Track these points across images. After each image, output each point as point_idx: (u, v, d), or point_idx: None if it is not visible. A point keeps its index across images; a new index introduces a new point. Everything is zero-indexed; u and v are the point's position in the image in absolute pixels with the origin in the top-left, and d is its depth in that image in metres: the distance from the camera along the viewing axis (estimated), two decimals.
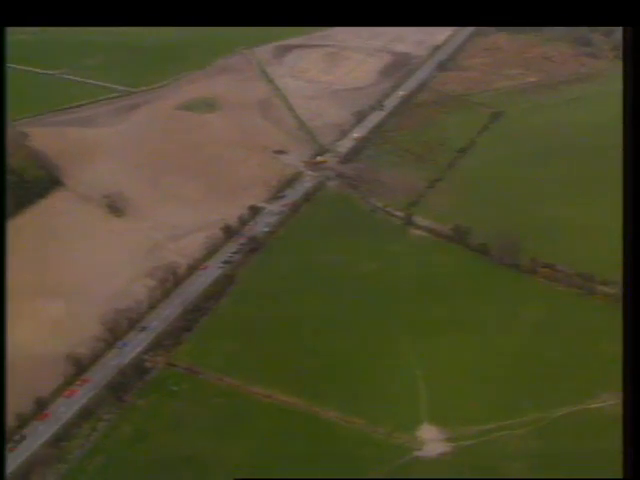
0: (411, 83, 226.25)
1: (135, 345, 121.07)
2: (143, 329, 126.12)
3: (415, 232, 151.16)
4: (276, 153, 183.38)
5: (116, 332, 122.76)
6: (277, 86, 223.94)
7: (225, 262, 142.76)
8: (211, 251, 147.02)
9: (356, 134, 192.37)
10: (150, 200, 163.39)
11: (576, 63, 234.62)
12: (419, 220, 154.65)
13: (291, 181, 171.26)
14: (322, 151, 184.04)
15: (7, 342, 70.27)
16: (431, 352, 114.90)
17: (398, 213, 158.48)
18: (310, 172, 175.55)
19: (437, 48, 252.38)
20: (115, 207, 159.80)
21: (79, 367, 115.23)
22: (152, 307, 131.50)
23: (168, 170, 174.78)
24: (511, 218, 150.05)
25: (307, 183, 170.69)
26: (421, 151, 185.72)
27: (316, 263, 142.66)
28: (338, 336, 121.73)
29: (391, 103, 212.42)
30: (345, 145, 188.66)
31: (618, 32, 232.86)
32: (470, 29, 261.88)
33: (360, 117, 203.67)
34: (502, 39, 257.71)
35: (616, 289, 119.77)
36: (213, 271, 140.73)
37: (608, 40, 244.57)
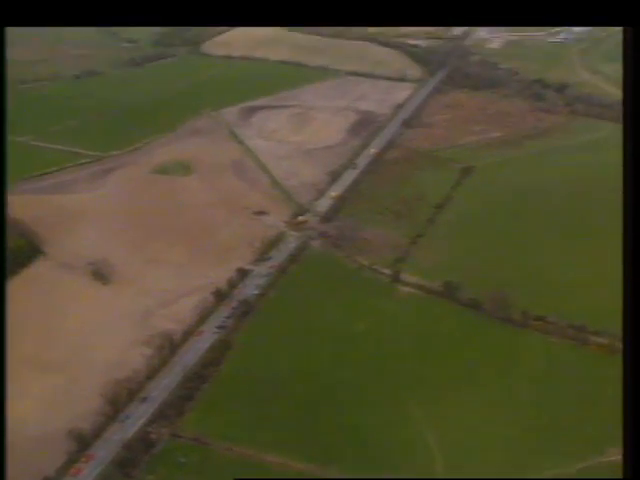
0: (379, 141, 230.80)
1: (138, 417, 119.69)
2: (144, 400, 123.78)
3: (404, 289, 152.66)
4: (256, 214, 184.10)
5: (117, 404, 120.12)
6: (248, 147, 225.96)
7: (219, 327, 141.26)
8: (204, 316, 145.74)
9: (333, 193, 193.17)
10: (136, 265, 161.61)
11: (533, 118, 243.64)
12: (407, 277, 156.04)
13: (275, 242, 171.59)
14: (302, 211, 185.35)
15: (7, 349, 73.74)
16: (437, 413, 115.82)
17: (385, 270, 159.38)
18: (293, 232, 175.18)
19: (400, 106, 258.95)
20: (100, 274, 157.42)
21: (82, 443, 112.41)
22: (151, 376, 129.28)
23: (151, 235, 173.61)
24: (498, 272, 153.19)
25: (291, 244, 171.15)
26: (399, 208, 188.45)
27: (310, 324, 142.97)
28: (342, 398, 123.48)
29: (363, 161, 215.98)
30: (324, 204, 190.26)
31: (570, 88, 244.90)
32: (430, 87, 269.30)
33: (335, 176, 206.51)
34: (461, 96, 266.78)
35: (609, 339, 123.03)
36: (209, 336, 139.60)
37: (561, 95, 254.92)
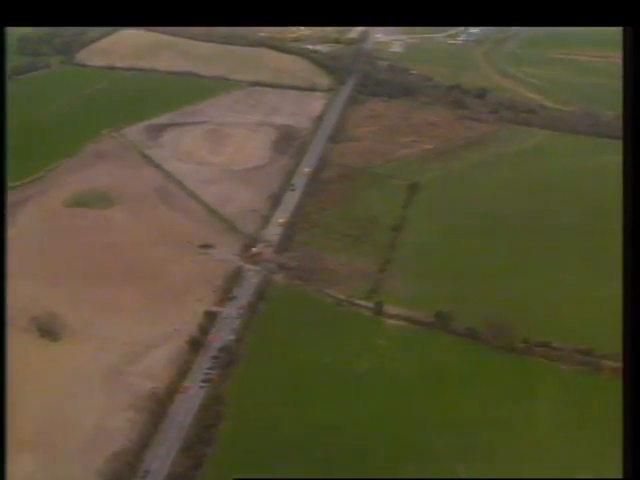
0: (310, 158, 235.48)
1: None
2: (146, 474, 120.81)
3: (390, 322, 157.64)
4: (202, 248, 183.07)
5: None
6: (167, 171, 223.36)
7: (205, 381, 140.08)
8: (182, 369, 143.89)
9: (280, 219, 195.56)
10: (85, 316, 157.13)
11: (461, 127, 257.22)
12: (390, 309, 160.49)
13: (234, 278, 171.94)
14: (251, 241, 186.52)
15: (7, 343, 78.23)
16: (464, 456, 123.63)
17: (363, 303, 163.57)
18: (249, 266, 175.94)
19: (318, 119, 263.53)
20: (47, 329, 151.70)
21: None
22: (144, 445, 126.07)
23: (91, 279, 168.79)
24: (485, 296, 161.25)
25: (252, 279, 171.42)
26: (354, 232, 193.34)
27: (302, 367, 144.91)
28: (363, 447, 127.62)
29: (299, 182, 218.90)
30: (272, 232, 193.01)
31: (491, 93, 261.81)
32: (344, 97, 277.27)
33: (274, 200, 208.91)
34: (379, 106, 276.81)
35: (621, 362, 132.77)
36: (196, 393, 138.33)
37: (482, 102, 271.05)
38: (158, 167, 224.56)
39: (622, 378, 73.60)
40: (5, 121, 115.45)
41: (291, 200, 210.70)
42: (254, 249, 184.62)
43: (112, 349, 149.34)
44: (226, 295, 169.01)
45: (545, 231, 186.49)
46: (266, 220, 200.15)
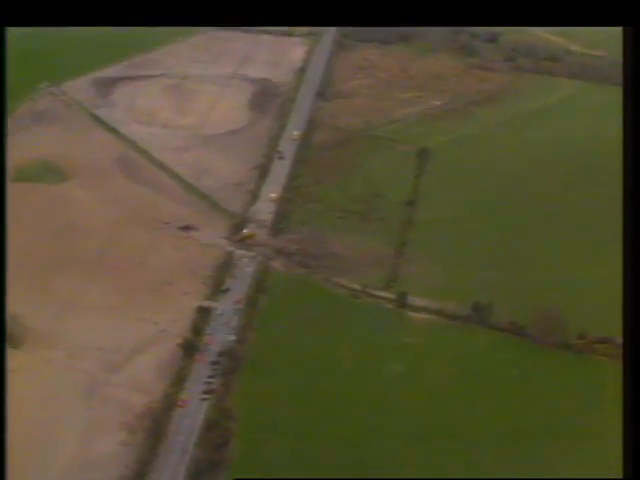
0: (296, 119, 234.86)
1: None
2: None
3: (418, 316, 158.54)
4: (183, 230, 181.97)
5: None
6: (126, 136, 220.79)
7: (206, 392, 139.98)
8: (176, 379, 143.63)
9: (272, 194, 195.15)
10: (50, 316, 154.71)
11: (473, 79, 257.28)
12: (414, 300, 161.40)
13: (225, 267, 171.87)
14: (240, 222, 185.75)
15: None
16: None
17: (381, 294, 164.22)
18: (241, 251, 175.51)
19: (301, 70, 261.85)
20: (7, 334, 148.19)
21: None
22: (142, 475, 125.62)
23: (53, 271, 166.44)
24: (525, 284, 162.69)
25: (247, 267, 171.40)
26: (360, 208, 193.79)
27: (320, 373, 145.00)
28: (400, 470, 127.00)
29: (288, 148, 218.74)
30: (263, 210, 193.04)
31: (503, 36, 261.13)
32: (328, 43, 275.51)
33: (261, 171, 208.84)
34: (372, 53, 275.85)
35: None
36: (197, 406, 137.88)
37: (494, 47, 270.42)
38: (113, 131, 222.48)
39: (622, 379, 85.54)
40: (5, 120, 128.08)
41: (280, 171, 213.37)
42: (245, 231, 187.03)
43: (87, 356, 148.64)
44: (218, 287, 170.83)
45: (588, 205, 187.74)
46: (254, 195, 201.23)
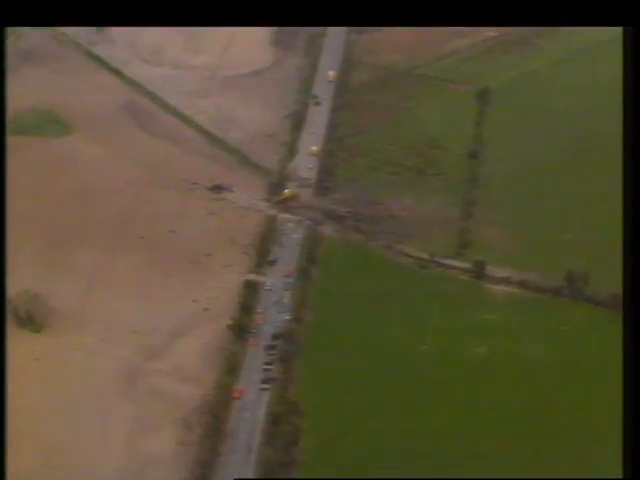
0: (328, 58, 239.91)
1: None
2: None
3: (498, 289, 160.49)
4: (214, 191, 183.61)
5: None
6: (132, 80, 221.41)
7: (265, 381, 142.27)
8: (229, 366, 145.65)
9: (313, 148, 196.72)
10: (74, 295, 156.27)
11: None
12: (493, 270, 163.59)
13: (269, 234, 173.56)
14: (278, 180, 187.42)
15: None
16: None
17: (454, 263, 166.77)
18: (285, 215, 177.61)
19: None
20: (26, 316, 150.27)
21: None
22: (205, 478, 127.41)
23: (72, 241, 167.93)
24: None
25: (294, 234, 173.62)
26: (416, 162, 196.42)
27: (393, 357, 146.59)
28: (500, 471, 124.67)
29: (324, 92, 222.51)
30: (303, 166, 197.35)
31: None
32: None
33: (296, 120, 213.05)
34: None
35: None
36: (256, 398, 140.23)
37: None
38: (116, 73, 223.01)
39: (622, 379, 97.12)
40: (5, 118, 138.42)
41: (318, 119, 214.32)
42: (286, 191, 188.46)
43: (122, 340, 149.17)
44: (263, 258, 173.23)
45: None
46: (291, 149, 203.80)
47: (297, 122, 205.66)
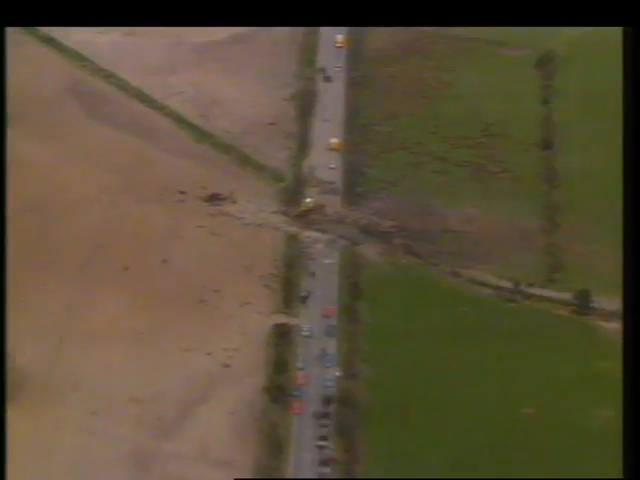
0: None
1: None
2: None
3: (612, 327, 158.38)
4: (211, 203, 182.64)
5: None
6: (75, 52, 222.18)
7: (323, 463, 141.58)
8: (269, 443, 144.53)
9: (333, 140, 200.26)
10: (45, 350, 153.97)
11: None
12: (599, 301, 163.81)
13: (294, 259, 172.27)
14: (293, 185, 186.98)
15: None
16: None
17: (546, 293, 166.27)
18: (310, 233, 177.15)
19: None
20: None
21: None
22: None
23: (34, 277, 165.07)
24: None
25: (326, 259, 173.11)
26: (471, 156, 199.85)
27: (488, 426, 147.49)
28: None
29: (332, 62, 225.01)
30: (322, 164, 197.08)
31: None
32: None
33: (302, 102, 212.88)
34: None
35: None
36: None
37: None
38: (53, 43, 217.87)
39: (622, 379, 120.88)
40: (5, 116, 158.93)
41: (331, 100, 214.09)
42: (308, 200, 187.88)
43: (118, 412, 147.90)
44: (292, 292, 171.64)
45: None
46: (302, 142, 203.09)
47: (305, 105, 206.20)
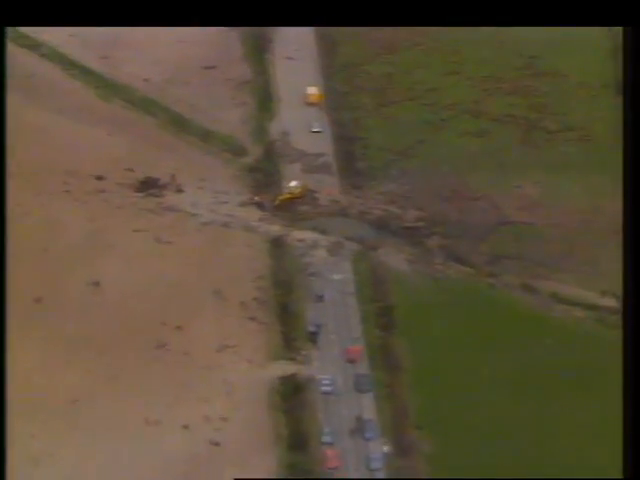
0: None
1: None
2: None
3: None
4: (147, 192, 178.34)
5: None
6: None
7: None
8: None
9: (310, 89, 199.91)
10: None
11: None
12: None
13: (287, 276, 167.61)
14: (262, 162, 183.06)
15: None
16: None
17: None
18: (305, 235, 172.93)
19: None
20: None
21: None
22: None
23: None
24: None
25: (334, 274, 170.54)
26: (512, 107, 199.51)
27: None
28: None
29: None
30: (298, 127, 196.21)
31: None
32: None
33: (251, 31, 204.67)
34: None
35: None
36: None
37: None
38: None
39: (623, 379, 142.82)
40: (5, 121, 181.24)
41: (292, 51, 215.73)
42: (293, 183, 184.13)
43: None
44: (293, 326, 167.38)
45: None
46: (262, 93, 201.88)
47: (256, 35, 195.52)
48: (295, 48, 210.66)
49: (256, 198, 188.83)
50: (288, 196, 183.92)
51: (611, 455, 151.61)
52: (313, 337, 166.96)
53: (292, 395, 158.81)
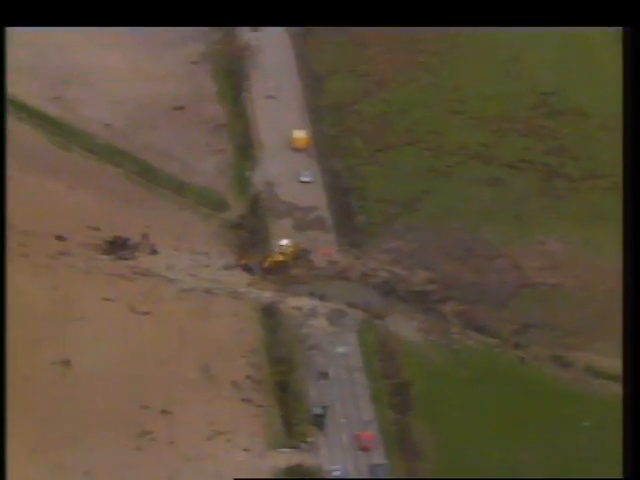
0: None
1: None
2: None
3: None
4: (116, 255, 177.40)
5: None
6: None
7: None
8: None
9: (297, 132, 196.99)
10: None
11: None
12: None
13: (283, 350, 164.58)
14: (247, 218, 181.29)
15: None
16: None
17: None
18: (301, 302, 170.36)
19: None
20: None
21: None
22: None
23: None
24: None
25: (338, 346, 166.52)
26: (527, 150, 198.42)
27: None
28: None
29: None
30: (286, 174, 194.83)
31: None
32: None
33: (224, 64, 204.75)
34: None
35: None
36: None
37: None
38: None
39: (622, 379, 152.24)
40: (5, 121, 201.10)
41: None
42: (284, 242, 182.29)
43: None
44: (293, 408, 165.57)
45: None
46: (241, 137, 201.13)
47: (231, 70, 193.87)
48: (275, 85, 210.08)
49: (242, 261, 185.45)
50: (279, 257, 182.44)
51: None
52: (319, 421, 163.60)
53: None
